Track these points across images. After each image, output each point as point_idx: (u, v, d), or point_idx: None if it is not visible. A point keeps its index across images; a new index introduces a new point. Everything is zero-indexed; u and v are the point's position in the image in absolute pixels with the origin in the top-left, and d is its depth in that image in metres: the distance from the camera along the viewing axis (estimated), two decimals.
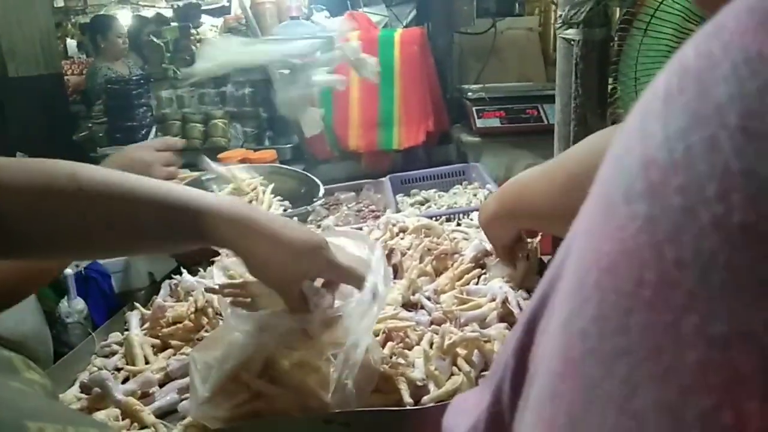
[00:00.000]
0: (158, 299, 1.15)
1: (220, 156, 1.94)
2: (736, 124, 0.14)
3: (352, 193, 1.84)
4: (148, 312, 1.11)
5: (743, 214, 0.13)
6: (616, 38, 1.07)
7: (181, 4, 3.44)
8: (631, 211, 0.15)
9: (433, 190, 1.83)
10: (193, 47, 2.44)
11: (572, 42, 0.95)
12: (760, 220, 0.13)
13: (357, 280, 0.78)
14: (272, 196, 1.43)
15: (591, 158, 0.72)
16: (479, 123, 2.06)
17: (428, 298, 1.05)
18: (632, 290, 0.14)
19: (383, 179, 1.85)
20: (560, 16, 0.97)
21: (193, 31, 2.59)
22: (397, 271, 1.17)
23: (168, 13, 4.30)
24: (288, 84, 1.68)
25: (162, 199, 0.67)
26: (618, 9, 1.03)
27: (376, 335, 0.92)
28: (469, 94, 2.17)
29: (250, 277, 0.79)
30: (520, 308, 0.97)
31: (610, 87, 1.05)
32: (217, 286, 0.84)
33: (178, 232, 0.70)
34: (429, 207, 1.71)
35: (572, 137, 0.99)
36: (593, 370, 0.15)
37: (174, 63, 2.44)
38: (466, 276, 1.12)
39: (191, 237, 0.70)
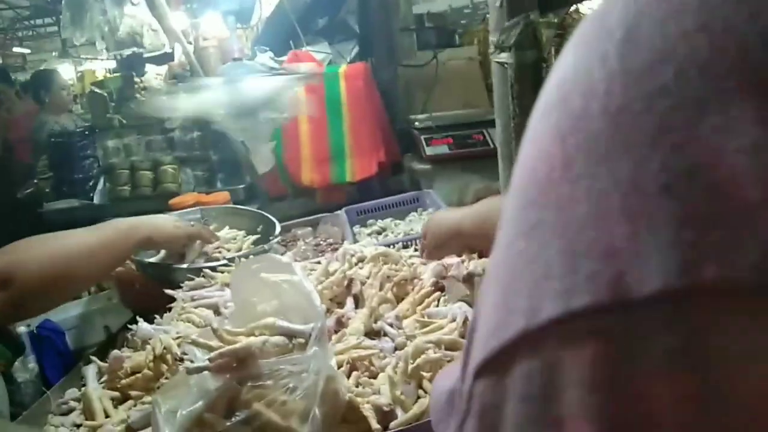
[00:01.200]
0: (115, 350, 1.12)
1: (171, 201, 1.92)
2: (619, 38, 0.18)
3: (309, 228, 1.84)
4: (105, 365, 1.08)
5: (620, 99, 0.18)
6: (550, 57, 1.12)
7: (124, 54, 3.42)
8: (547, 120, 0.20)
9: (389, 219, 1.85)
10: (137, 95, 2.43)
11: (506, 65, 0.99)
12: (630, 102, 0.17)
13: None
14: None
15: None
16: (428, 150, 2.10)
17: (391, 325, 1.06)
18: (544, 177, 0.19)
19: (339, 212, 1.86)
20: (492, 41, 1.02)
21: (136, 79, 2.57)
22: (358, 301, 1.17)
23: (111, 64, 4.23)
24: (235, 124, 1.69)
25: None
26: (547, 30, 1.08)
27: (341, 366, 0.92)
28: (417, 123, 2.22)
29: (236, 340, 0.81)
30: None
31: None
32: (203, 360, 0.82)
33: None
34: (386, 236, 1.73)
35: (514, 156, 1.03)
36: (516, 245, 0.19)
37: (119, 113, 2.41)
38: (427, 300, 1.13)
39: None
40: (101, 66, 9.37)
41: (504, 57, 0.98)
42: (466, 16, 3.77)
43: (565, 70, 0.20)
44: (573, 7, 1.11)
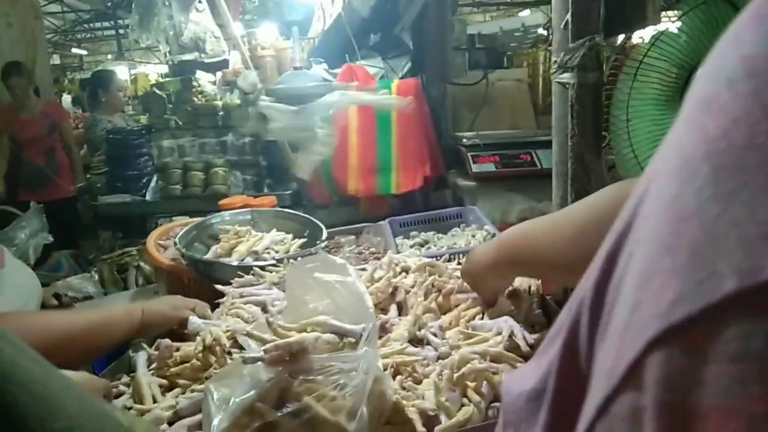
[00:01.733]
0: (165, 339, 1.15)
1: (221, 202, 1.97)
2: None
3: (352, 237, 1.86)
4: (155, 353, 1.11)
5: None
6: (606, 83, 1.13)
7: (177, 60, 3.54)
8: (735, 91, 0.20)
9: (432, 232, 1.86)
10: (195, 99, 2.52)
11: (567, 85, 1.01)
12: None
13: None
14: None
15: (603, 208, 0.75)
16: (475, 168, 2.11)
17: (434, 335, 1.07)
18: (745, 141, 0.19)
19: (382, 222, 1.88)
20: (555, 61, 1.03)
21: (194, 83, 2.66)
22: (401, 309, 1.19)
23: (164, 68, 4.38)
24: (286, 128, 1.74)
25: None
26: (609, 54, 1.09)
27: (385, 369, 0.93)
28: (464, 140, 2.24)
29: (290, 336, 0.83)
30: (526, 341, 0.99)
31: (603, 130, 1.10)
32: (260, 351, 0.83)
33: None
34: (428, 248, 1.74)
35: (570, 175, 1.04)
36: (713, 209, 0.19)
37: (176, 114, 2.50)
38: (471, 312, 1.14)
39: None
40: (154, 70, 9.69)
41: (566, 77, 0.99)
42: (517, 39, 3.78)
43: (751, 47, 0.20)
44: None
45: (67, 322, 1.07)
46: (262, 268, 1.34)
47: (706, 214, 0.19)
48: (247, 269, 1.34)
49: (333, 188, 2.22)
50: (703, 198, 0.20)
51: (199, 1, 2.19)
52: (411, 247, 1.75)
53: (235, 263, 1.39)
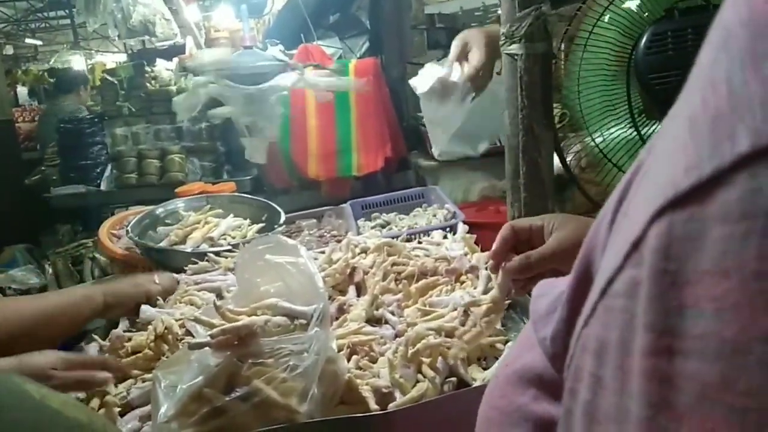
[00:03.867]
0: (116, 329, 1.12)
1: (177, 190, 1.93)
2: None
3: (313, 220, 1.84)
4: (107, 343, 1.08)
5: None
6: (560, 52, 1.12)
7: (136, 48, 3.44)
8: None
9: (394, 213, 1.85)
10: (148, 84, 2.44)
11: (515, 57, 1.00)
12: None
13: None
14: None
15: None
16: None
17: (392, 313, 1.06)
18: None
19: (344, 205, 1.86)
20: (503, 33, 1.02)
21: (147, 69, 2.59)
22: (360, 290, 1.17)
23: (122, 57, 4.26)
24: (239, 110, 1.70)
25: None
26: (561, 24, 1.08)
27: (341, 350, 0.92)
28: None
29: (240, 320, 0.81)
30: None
31: (555, 103, 1.09)
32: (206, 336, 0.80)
33: None
34: (390, 229, 1.72)
35: (521, 147, 1.03)
36: (742, 74, 0.18)
37: (129, 101, 2.43)
38: (431, 291, 1.14)
39: None
40: (112, 59, 9.42)
41: (514, 48, 0.98)
42: (477, 18, 3.76)
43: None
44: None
45: (30, 308, 1.06)
46: (217, 254, 1.31)
47: (735, 79, 0.19)
48: (202, 256, 1.31)
49: (293, 172, 2.19)
50: (734, 64, 0.19)
51: None
52: (372, 228, 1.73)
53: (189, 250, 1.36)
